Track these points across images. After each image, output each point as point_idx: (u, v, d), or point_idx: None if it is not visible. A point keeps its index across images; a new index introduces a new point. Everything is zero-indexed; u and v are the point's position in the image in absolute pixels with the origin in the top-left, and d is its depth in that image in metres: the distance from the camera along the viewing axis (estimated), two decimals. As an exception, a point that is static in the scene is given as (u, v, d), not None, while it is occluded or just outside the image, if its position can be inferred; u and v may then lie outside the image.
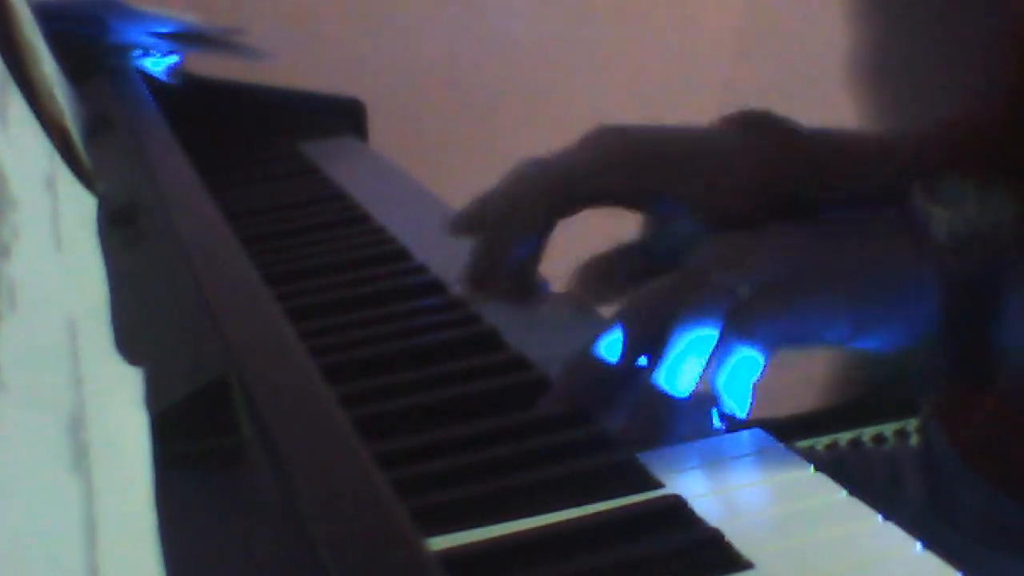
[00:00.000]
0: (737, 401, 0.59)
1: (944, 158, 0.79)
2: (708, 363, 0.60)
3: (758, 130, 0.75)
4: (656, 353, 0.60)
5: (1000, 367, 0.61)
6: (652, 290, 0.63)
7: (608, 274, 0.75)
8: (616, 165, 0.72)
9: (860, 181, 0.76)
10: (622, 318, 0.62)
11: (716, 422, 0.59)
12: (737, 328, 0.59)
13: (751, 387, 0.59)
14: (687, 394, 0.60)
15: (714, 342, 0.59)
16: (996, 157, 0.77)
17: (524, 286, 0.76)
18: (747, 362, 0.59)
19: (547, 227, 0.73)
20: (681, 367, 0.59)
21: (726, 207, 0.70)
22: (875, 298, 0.61)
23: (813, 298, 0.60)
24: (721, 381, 0.59)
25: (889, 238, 0.62)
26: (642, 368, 0.61)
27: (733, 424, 0.59)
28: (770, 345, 0.59)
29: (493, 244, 0.74)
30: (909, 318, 0.61)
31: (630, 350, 0.61)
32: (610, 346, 0.61)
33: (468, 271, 0.75)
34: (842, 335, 0.61)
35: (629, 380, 0.61)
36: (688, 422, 0.59)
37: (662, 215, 0.76)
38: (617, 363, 0.61)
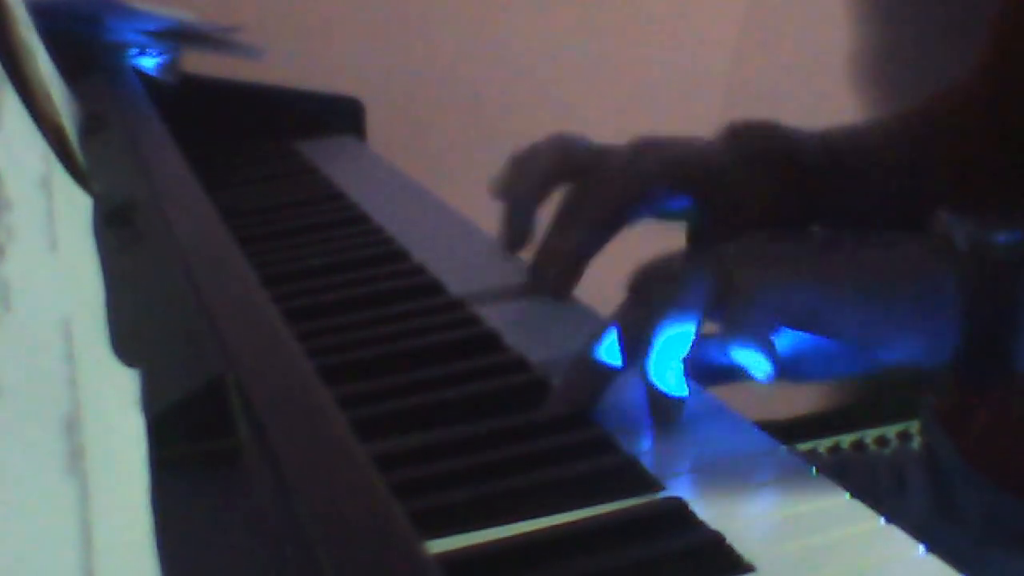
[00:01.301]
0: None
1: (946, 130, 0.80)
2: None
3: (764, 164, 0.78)
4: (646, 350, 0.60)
5: (1013, 378, 0.60)
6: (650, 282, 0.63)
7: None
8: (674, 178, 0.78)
9: (870, 195, 0.77)
10: (619, 318, 0.62)
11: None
12: (739, 294, 0.58)
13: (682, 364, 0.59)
14: (680, 392, 0.59)
15: (692, 337, 0.59)
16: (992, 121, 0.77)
17: (573, 280, 0.78)
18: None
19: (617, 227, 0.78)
20: (667, 365, 0.59)
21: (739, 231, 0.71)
22: (889, 299, 0.59)
23: (819, 277, 0.59)
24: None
25: (908, 246, 0.61)
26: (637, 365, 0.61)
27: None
28: (770, 316, 0.58)
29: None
30: (926, 331, 0.60)
31: (628, 351, 0.60)
32: (609, 348, 0.61)
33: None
34: (851, 332, 0.60)
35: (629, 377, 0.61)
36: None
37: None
38: (617, 364, 0.61)
